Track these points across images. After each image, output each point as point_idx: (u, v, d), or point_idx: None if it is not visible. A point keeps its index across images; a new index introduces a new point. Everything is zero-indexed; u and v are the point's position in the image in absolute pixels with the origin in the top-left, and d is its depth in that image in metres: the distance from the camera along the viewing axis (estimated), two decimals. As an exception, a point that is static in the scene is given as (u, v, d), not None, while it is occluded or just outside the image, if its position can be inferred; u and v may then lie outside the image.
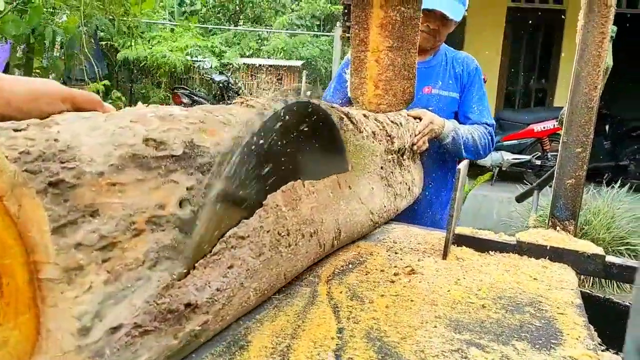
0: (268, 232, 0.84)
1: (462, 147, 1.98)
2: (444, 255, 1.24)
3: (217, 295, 0.71)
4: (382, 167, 1.46)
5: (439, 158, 2.07)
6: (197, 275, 0.68)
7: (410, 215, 1.84)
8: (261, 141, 0.81)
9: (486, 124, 2.11)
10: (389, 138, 1.50)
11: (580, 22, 1.36)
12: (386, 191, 1.47)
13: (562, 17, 8.04)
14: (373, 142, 1.38)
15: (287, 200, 0.91)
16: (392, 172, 1.54)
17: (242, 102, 0.90)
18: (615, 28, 1.39)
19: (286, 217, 0.90)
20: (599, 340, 1.07)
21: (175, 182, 0.65)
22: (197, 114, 0.74)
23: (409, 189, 1.70)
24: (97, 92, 7.16)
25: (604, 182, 5.26)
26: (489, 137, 2.10)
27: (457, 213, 1.26)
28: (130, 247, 0.59)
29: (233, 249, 0.76)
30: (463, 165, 1.26)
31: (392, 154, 1.55)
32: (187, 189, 0.67)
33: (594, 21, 1.33)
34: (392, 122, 1.57)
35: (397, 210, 1.60)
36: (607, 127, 7.42)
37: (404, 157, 1.68)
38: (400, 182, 1.61)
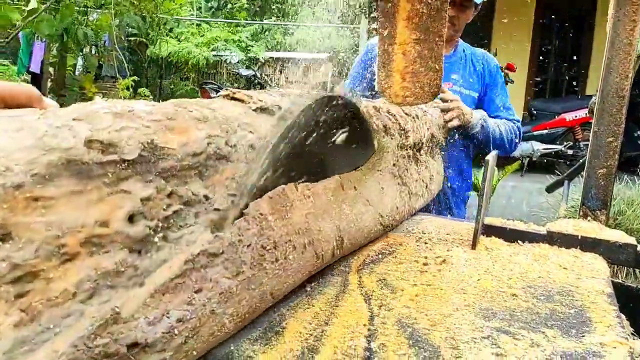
0: (249, 246, 0.72)
1: (491, 137, 1.97)
2: (473, 245, 1.25)
3: (178, 327, 0.59)
4: (394, 164, 1.34)
5: (463, 151, 2.06)
6: (152, 305, 0.56)
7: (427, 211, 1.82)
8: (292, 137, 0.80)
9: (512, 120, 2.10)
10: (402, 132, 1.40)
11: (611, 9, 1.34)
12: (399, 190, 1.36)
13: (594, 4, 7.86)
14: (384, 136, 1.28)
15: (274, 208, 0.79)
16: (406, 169, 1.43)
17: (226, 95, 0.85)
18: (647, 15, 1.37)
19: (273, 227, 0.78)
20: (631, 329, 1.07)
21: (127, 192, 0.55)
22: (166, 109, 0.64)
23: (426, 186, 1.59)
24: (127, 88, 7.33)
25: (638, 171, 5.15)
26: (517, 132, 2.08)
27: (485, 203, 1.27)
28: (57, 277, 0.48)
29: (202, 269, 0.64)
30: (492, 156, 1.27)
31: (406, 149, 1.44)
32: (141, 200, 0.56)
33: (625, 9, 1.31)
34: (406, 114, 1.46)
35: (413, 210, 1.50)
36: (640, 116, 7.25)
37: (421, 152, 1.57)
38: (417, 180, 1.50)
